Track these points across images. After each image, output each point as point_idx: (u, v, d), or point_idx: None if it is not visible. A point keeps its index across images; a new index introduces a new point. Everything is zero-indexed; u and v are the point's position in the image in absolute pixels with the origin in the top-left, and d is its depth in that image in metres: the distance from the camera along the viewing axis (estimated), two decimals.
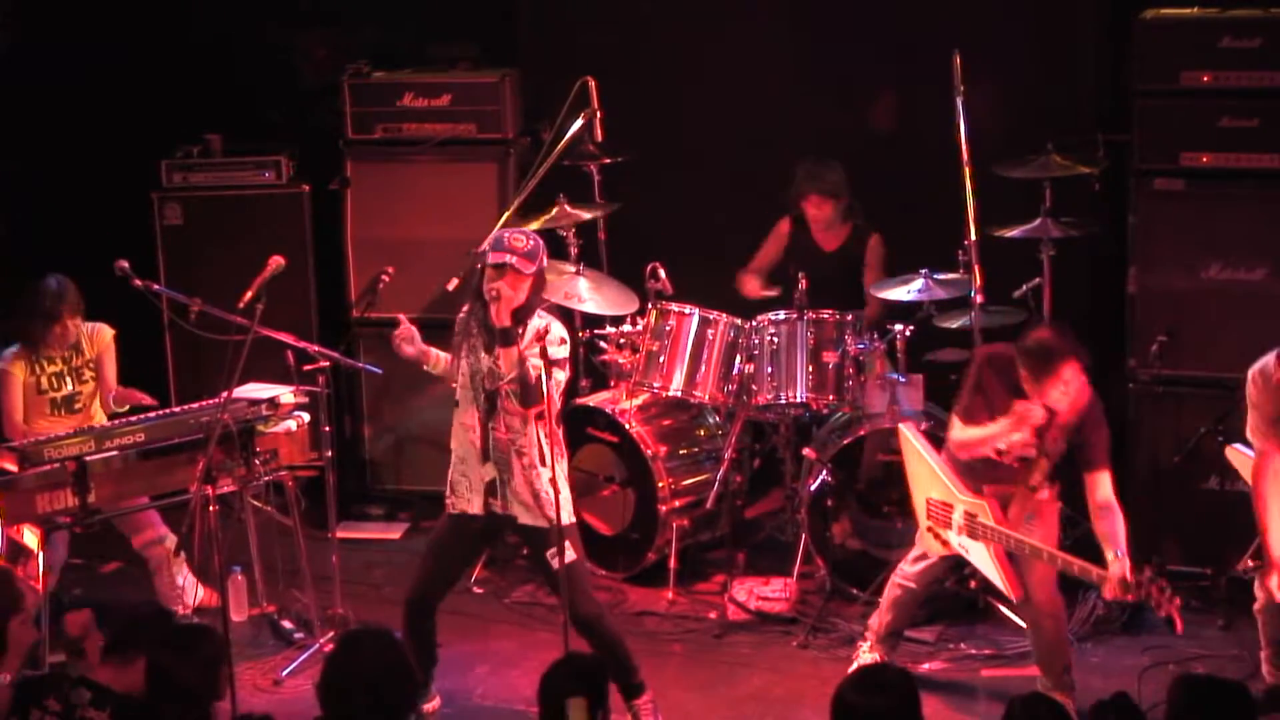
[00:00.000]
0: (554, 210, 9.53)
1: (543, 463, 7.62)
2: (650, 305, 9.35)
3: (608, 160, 9.78)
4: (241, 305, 8.26)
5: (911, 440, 8.20)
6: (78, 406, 9.03)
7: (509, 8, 10.66)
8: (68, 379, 8.99)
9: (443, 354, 7.96)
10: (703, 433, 9.64)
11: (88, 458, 8.25)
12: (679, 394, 9.27)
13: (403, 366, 8.22)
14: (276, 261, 8.40)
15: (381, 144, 10.32)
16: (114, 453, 8.37)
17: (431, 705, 8.12)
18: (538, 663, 6.79)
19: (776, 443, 9.62)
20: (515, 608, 9.23)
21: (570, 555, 7.63)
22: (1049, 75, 10.04)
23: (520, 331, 7.57)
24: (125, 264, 8.83)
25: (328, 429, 8.74)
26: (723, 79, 10.27)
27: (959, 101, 8.93)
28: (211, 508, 7.84)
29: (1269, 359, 7.45)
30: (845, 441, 9.06)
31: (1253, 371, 7.53)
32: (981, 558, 7.81)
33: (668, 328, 9.26)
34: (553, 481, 7.57)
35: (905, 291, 9.11)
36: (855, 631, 8.60)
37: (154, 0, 10.78)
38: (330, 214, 10.43)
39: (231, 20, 10.72)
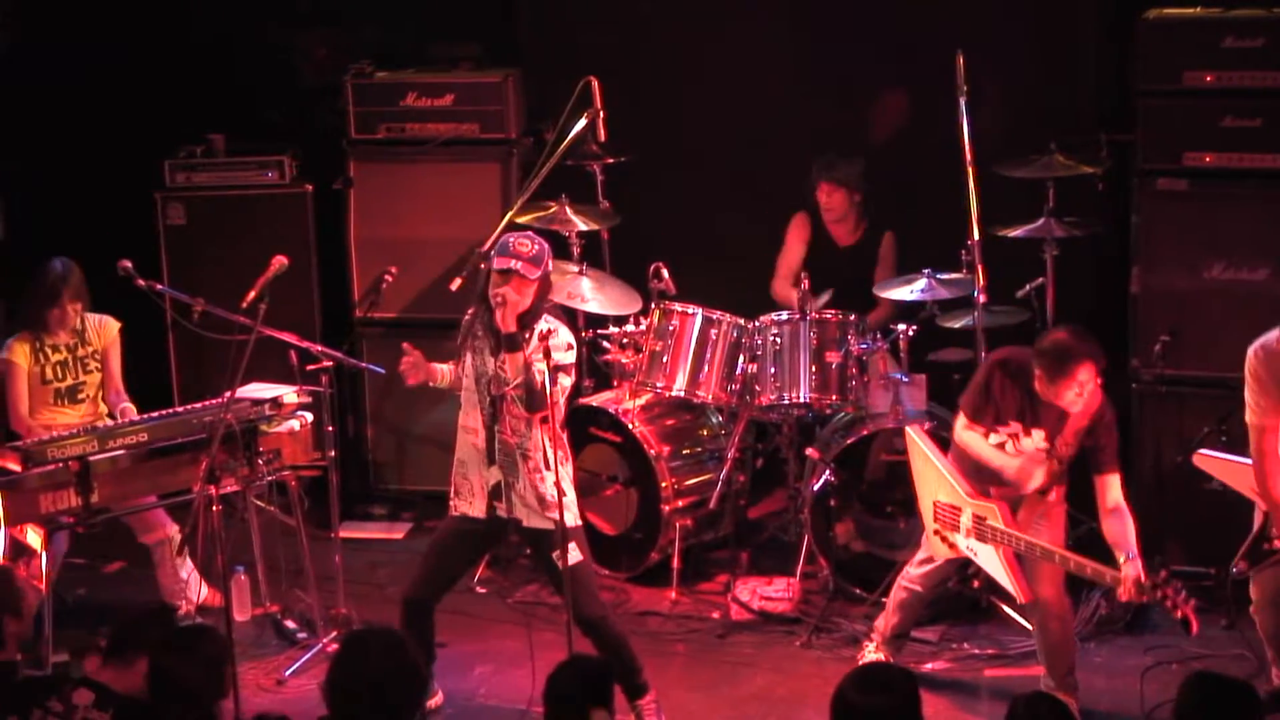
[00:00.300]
0: (553, 209, 9.53)
1: (547, 466, 7.63)
2: (653, 305, 9.35)
3: (611, 160, 9.78)
4: (244, 305, 8.25)
5: (918, 442, 8.19)
6: (81, 397, 9.04)
7: (511, 7, 10.66)
8: (72, 369, 9.00)
9: (444, 367, 7.97)
10: (706, 433, 9.64)
11: (91, 457, 8.25)
12: (682, 394, 9.27)
13: (419, 350, 8.20)
14: (280, 261, 8.40)
15: (384, 144, 10.32)
16: (117, 452, 8.37)
17: (435, 701, 8.12)
18: (541, 663, 6.82)
19: (780, 443, 9.62)
20: (518, 608, 9.23)
21: (575, 556, 7.63)
22: (1052, 75, 10.05)
23: (526, 336, 7.56)
24: (128, 264, 8.84)
25: (331, 429, 8.74)
26: (726, 79, 10.27)
27: (962, 101, 8.93)
28: (215, 507, 7.85)
29: (1270, 335, 7.47)
30: (848, 441, 9.06)
31: (1254, 348, 7.53)
32: (990, 561, 7.80)
33: (671, 328, 9.26)
34: (557, 485, 7.57)
35: (908, 291, 9.12)
36: (859, 631, 8.60)
37: (157, 0, 10.78)
38: (333, 214, 10.43)
39: (234, 20, 10.73)
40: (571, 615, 7.59)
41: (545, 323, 7.65)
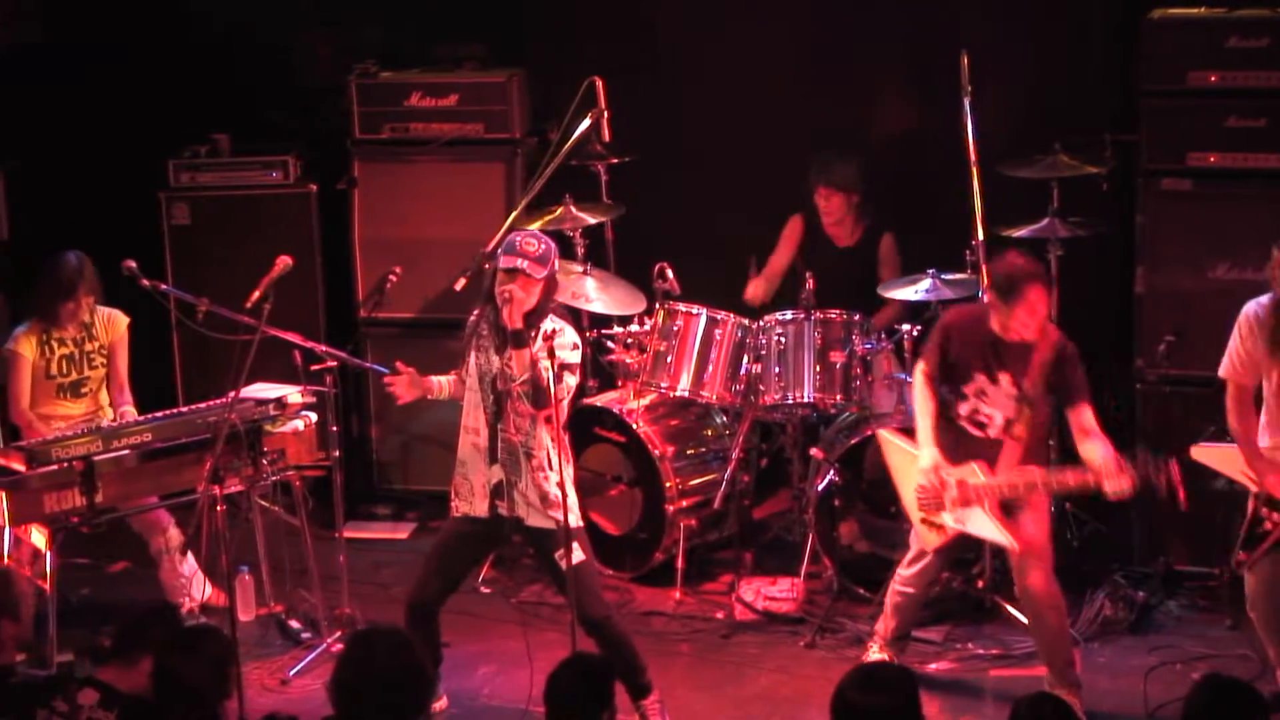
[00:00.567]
0: (559, 211, 9.53)
1: (551, 466, 7.63)
2: (658, 305, 9.35)
3: (615, 160, 9.79)
4: (249, 305, 8.26)
5: (891, 440, 8.28)
6: (84, 391, 9.06)
7: (516, 8, 10.66)
8: (77, 364, 9.01)
9: (444, 379, 7.97)
10: (710, 433, 9.64)
11: (95, 457, 8.25)
12: (686, 394, 9.27)
13: (410, 366, 8.21)
14: (284, 261, 8.41)
15: (389, 144, 10.32)
16: (122, 452, 8.37)
17: (439, 704, 8.12)
18: (545, 663, 6.80)
19: (784, 443, 9.62)
20: (522, 608, 9.22)
21: (579, 556, 7.63)
22: (1056, 75, 10.04)
23: (532, 335, 7.57)
24: (133, 264, 8.84)
25: (335, 429, 8.74)
26: (730, 79, 10.28)
27: (966, 101, 8.94)
28: (219, 507, 7.86)
29: (1263, 300, 7.53)
30: (853, 441, 9.05)
31: (1250, 309, 7.58)
32: (979, 522, 7.82)
33: (675, 328, 9.26)
34: (560, 484, 7.57)
35: (913, 291, 9.12)
36: (863, 631, 8.60)
37: (161, 0, 10.78)
38: (337, 214, 10.44)
39: (239, 20, 10.72)
40: (575, 616, 7.60)
41: (551, 322, 7.65)
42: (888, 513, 9.10)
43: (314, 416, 8.76)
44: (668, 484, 9.29)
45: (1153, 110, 9.05)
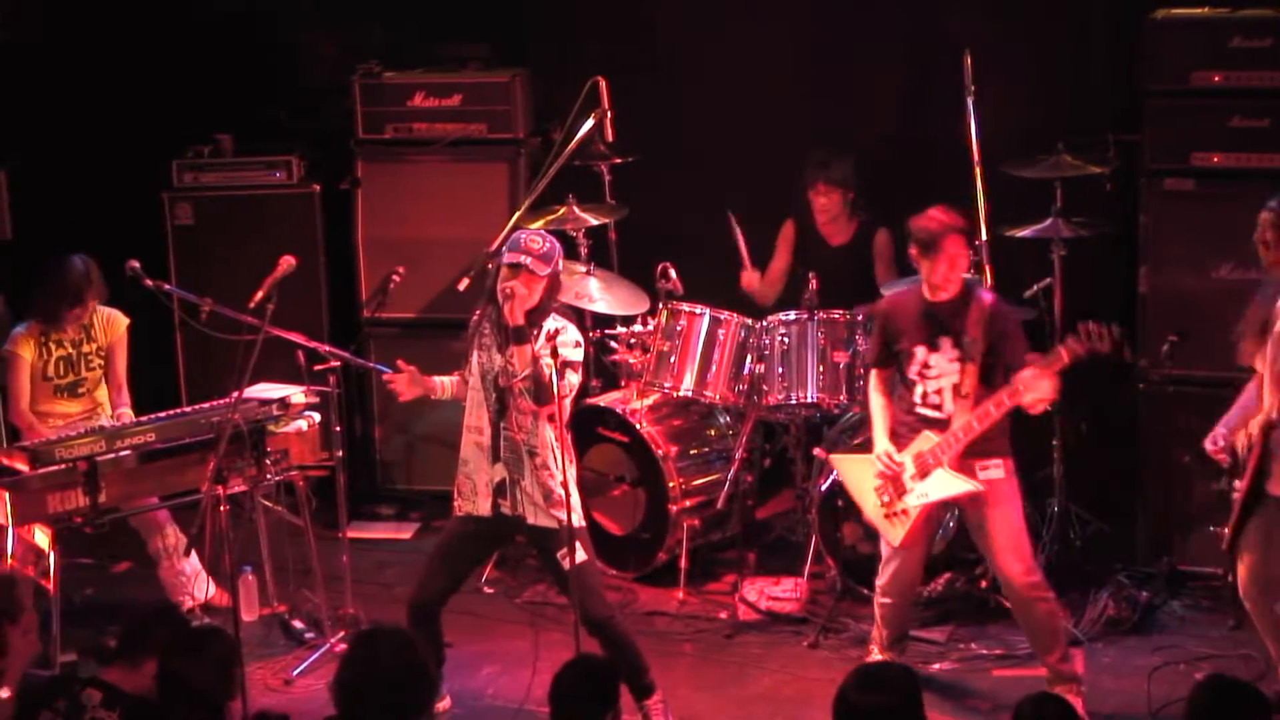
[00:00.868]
0: (562, 211, 9.53)
1: (554, 465, 7.63)
2: (661, 305, 9.35)
3: (618, 160, 9.79)
4: (252, 305, 8.26)
5: (840, 459, 8.45)
6: (81, 391, 9.08)
7: (518, 8, 10.66)
8: (75, 366, 9.02)
9: (446, 379, 7.98)
10: (713, 433, 9.64)
11: (98, 458, 8.26)
12: (690, 394, 9.27)
13: (413, 365, 8.21)
14: (287, 261, 8.41)
15: (392, 144, 10.33)
16: (125, 453, 8.37)
17: (443, 705, 8.11)
18: (549, 663, 6.83)
19: (787, 443, 9.61)
20: (526, 608, 9.23)
21: (581, 556, 7.63)
22: (1060, 75, 10.05)
23: (535, 333, 7.57)
24: (136, 264, 8.85)
25: (338, 429, 8.75)
26: (733, 79, 10.28)
27: (969, 101, 8.94)
28: (222, 508, 7.86)
29: None
30: (856, 441, 9.04)
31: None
32: (942, 483, 7.83)
33: (678, 328, 9.26)
34: (564, 483, 7.57)
35: None
36: (866, 632, 8.59)
37: (164, 0, 10.79)
38: (341, 214, 10.45)
39: (242, 20, 10.73)
40: (578, 616, 7.60)
41: (553, 321, 7.66)
42: None
43: (317, 416, 8.76)
44: (671, 484, 9.29)
45: (1156, 110, 9.05)
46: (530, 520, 7.71)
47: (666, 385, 9.29)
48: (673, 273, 9.32)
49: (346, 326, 10.25)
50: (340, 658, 6.00)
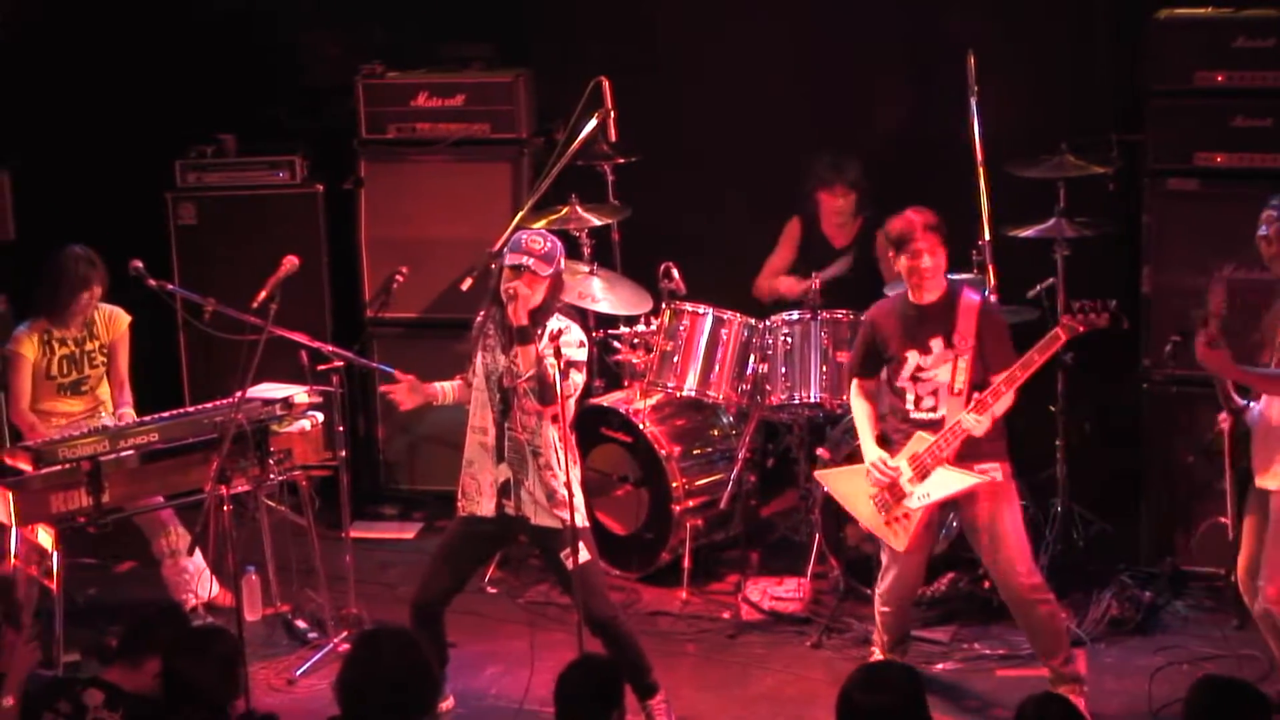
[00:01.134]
0: (565, 210, 9.53)
1: (558, 465, 7.63)
2: (664, 305, 9.35)
3: (621, 160, 9.78)
4: (255, 305, 8.26)
5: (828, 473, 8.44)
6: (84, 389, 9.07)
7: (520, 8, 10.66)
8: (77, 363, 9.02)
9: (448, 385, 7.98)
10: (716, 433, 9.64)
11: (102, 457, 8.26)
12: (693, 394, 9.28)
13: (417, 366, 8.22)
14: (290, 261, 8.41)
15: (395, 144, 10.33)
16: (128, 452, 8.38)
17: (446, 705, 8.11)
18: (552, 663, 6.83)
19: (790, 443, 9.62)
20: (529, 608, 9.24)
21: (584, 556, 7.63)
22: (1062, 75, 10.04)
23: (539, 333, 7.57)
24: (139, 264, 8.85)
25: (341, 429, 8.74)
26: (735, 79, 10.28)
27: (973, 101, 8.94)
28: (226, 508, 7.86)
29: None
30: (859, 442, 9.03)
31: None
32: (944, 481, 7.82)
33: (681, 327, 9.26)
34: (568, 484, 7.57)
35: None
36: (869, 631, 8.58)
37: (168, 0, 10.79)
38: (344, 214, 10.45)
39: (245, 20, 10.73)
40: (581, 616, 7.60)
41: (557, 321, 7.66)
42: None
43: (320, 416, 8.76)
44: (674, 484, 9.29)
45: (1159, 110, 9.05)
46: (534, 521, 7.71)
47: (669, 385, 9.29)
48: (675, 272, 9.32)
49: (349, 326, 10.24)
50: (343, 658, 6.00)
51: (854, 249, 9.79)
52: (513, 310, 7.55)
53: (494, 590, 9.37)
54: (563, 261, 7.74)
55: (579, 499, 7.69)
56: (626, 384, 9.68)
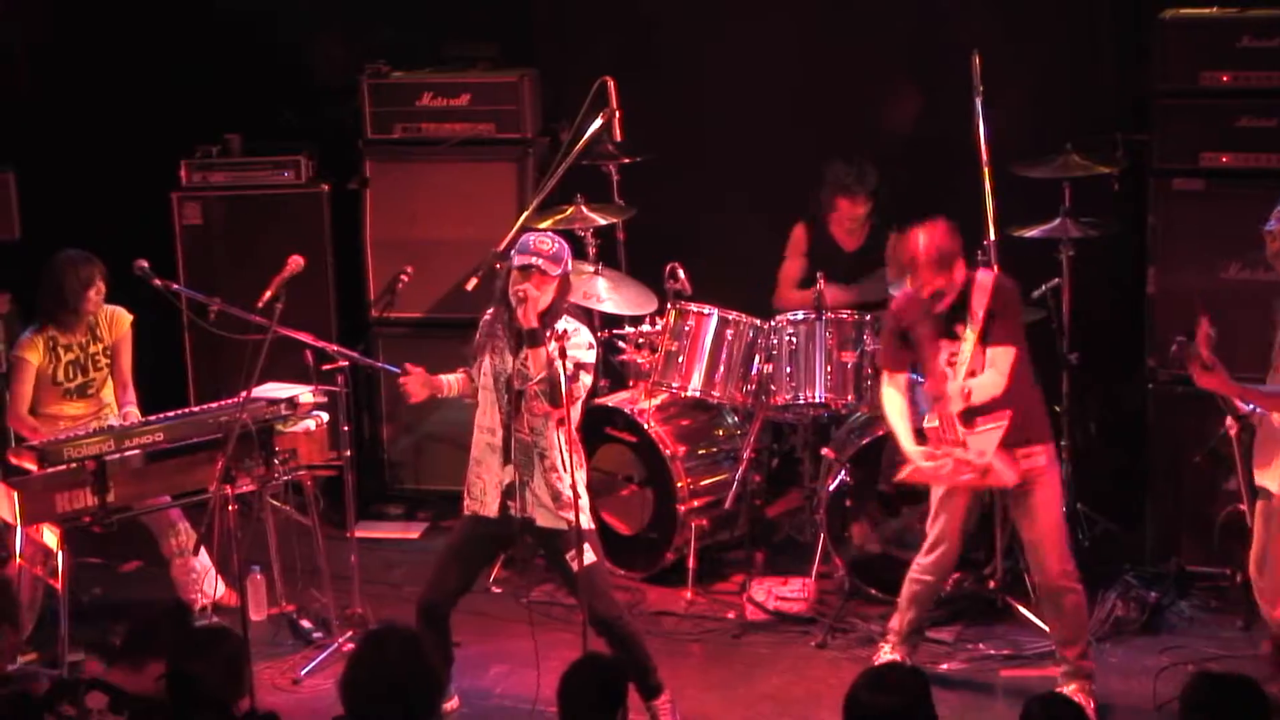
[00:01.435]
0: (570, 210, 9.53)
1: (564, 467, 7.62)
2: (669, 305, 9.35)
3: (626, 160, 9.78)
4: (261, 305, 8.27)
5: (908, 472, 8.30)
6: (90, 392, 9.07)
7: (527, 8, 10.67)
8: (82, 367, 9.01)
9: (452, 377, 7.98)
10: (721, 433, 9.64)
11: (107, 457, 8.26)
12: (697, 394, 9.28)
13: (421, 365, 8.21)
14: (296, 261, 8.41)
15: (400, 144, 10.34)
16: (133, 452, 8.38)
17: (450, 704, 8.12)
18: (556, 663, 6.80)
19: (795, 443, 9.62)
20: (534, 607, 9.21)
21: (590, 557, 7.63)
22: (1068, 75, 10.04)
23: (548, 334, 7.57)
24: (145, 263, 8.85)
25: (346, 428, 8.74)
26: (740, 80, 10.28)
27: (978, 101, 8.94)
28: (230, 507, 7.87)
29: None
30: (864, 441, 9.05)
31: None
32: (983, 440, 7.78)
33: (686, 328, 9.26)
34: (573, 486, 7.57)
35: None
36: (874, 632, 8.60)
37: (173, 1, 10.80)
38: (349, 214, 10.45)
39: (250, 20, 10.73)
40: (586, 616, 7.60)
41: (565, 323, 7.65)
42: (899, 512, 9.11)
43: (325, 416, 8.76)
44: (679, 484, 9.29)
45: (1164, 110, 9.05)
46: (539, 522, 7.71)
47: (674, 385, 9.29)
48: (681, 273, 9.32)
49: (355, 326, 10.25)
50: (348, 657, 5.99)
51: (863, 253, 9.78)
52: (523, 313, 7.54)
53: (499, 590, 9.37)
54: (570, 262, 7.73)
55: (585, 501, 7.69)
56: (631, 384, 9.68)
